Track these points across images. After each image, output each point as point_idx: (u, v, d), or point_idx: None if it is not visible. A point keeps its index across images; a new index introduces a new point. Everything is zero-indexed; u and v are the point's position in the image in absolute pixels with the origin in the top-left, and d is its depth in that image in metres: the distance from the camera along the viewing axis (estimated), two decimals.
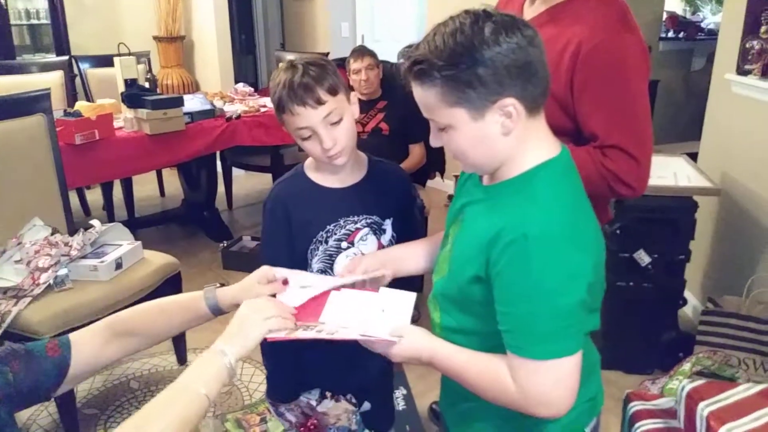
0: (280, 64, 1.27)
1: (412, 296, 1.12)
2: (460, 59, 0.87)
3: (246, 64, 6.66)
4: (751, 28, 2.53)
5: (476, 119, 0.91)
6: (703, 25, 6.04)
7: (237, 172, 4.74)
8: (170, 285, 2.42)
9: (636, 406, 1.41)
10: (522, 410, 0.95)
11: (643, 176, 1.31)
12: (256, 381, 2.52)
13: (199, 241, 3.91)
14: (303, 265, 1.35)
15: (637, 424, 1.34)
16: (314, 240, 1.33)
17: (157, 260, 2.39)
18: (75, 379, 1.07)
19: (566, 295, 0.90)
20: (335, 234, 1.33)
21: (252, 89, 4.36)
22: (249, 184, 5.06)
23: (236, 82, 4.95)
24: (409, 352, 1.02)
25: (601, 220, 1.24)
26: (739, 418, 1.16)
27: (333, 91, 1.22)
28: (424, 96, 0.93)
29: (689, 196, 2.42)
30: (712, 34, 5.85)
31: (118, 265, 2.23)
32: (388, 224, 1.38)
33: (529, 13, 1.44)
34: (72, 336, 1.08)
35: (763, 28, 2.43)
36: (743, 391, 1.23)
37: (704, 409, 1.19)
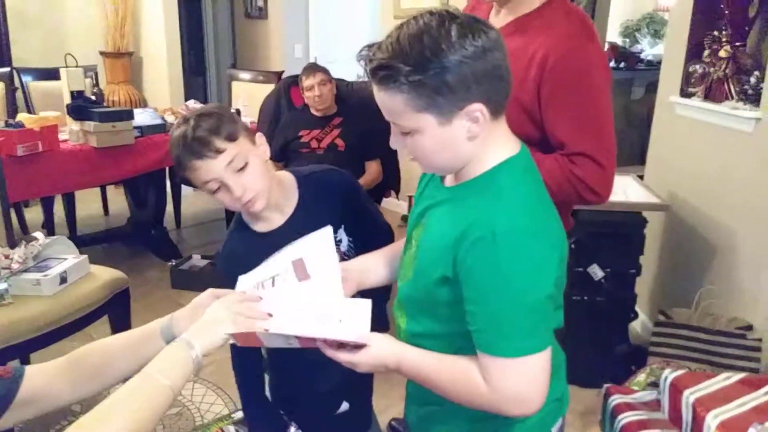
0: (175, 122, 1.23)
1: (367, 303, 1.07)
2: (428, 64, 0.85)
3: (196, 85, 6.56)
4: (693, 53, 2.66)
5: (443, 124, 0.90)
6: (642, 56, 6.32)
7: (185, 190, 4.63)
8: (118, 301, 2.32)
9: (616, 399, 1.42)
10: (494, 410, 0.94)
11: (609, 182, 1.34)
12: (207, 401, 2.42)
13: (146, 260, 3.78)
14: None
15: (619, 417, 1.35)
16: None
17: (104, 275, 2.29)
18: (20, 410, 0.99)
19: (535, 290, 0.90)
20: None
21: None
22: (198, 202, 4.95)
23: (186, 100, 4.86)
24: (375, 359, 0.98)
25: (564, 227, 1.26)
26: (724, 404, 1.18)
27: (231, 138, 1.18)
28: (389, 101, 0.90)
29: (639, 212, 2.50)
30: (651, 65, 6.14)
31: (63, 280, 2.12)
32: (341, 233, 1.35)
33: (495, 23, 1.46)
34: (29, 366, 1.03)
35: (705, 53, 2.55)
36: (723, 380, 1.26)
37: (690, 396, 1.21)
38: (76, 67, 3.41)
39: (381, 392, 1.62)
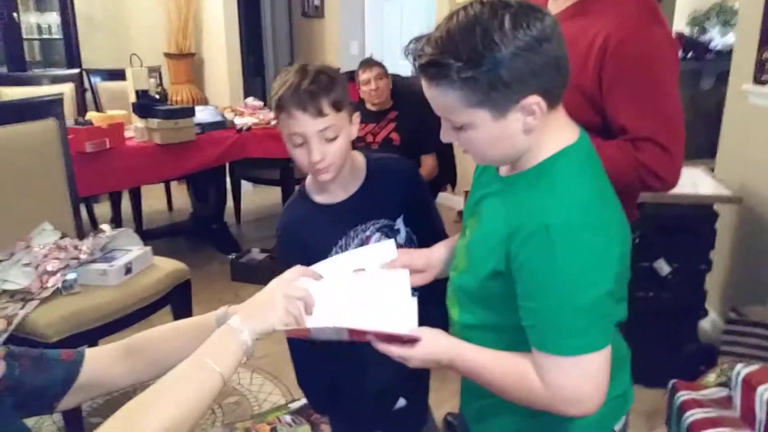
0: (289, 66, 1.23)
1: (414, 300, 1.04)
2: (481, 59, 0.81)
3: (254, 85, 6.69)
4: (767, 39, 2.51)
5: (498, 119, 0.87)
6: (711, 45, 6.05)
7: (245, 186, 4.72)
8: (180, 292, 2.37)
9: (683, 395, 1.35)
10: (549, 409, 0.90)
11: (676, 168, 1.27)
12: (265, 391, 2.46)
13: (207, 254, 3.88)
14: None
15: (687, 414, 1.29)
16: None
17: (167, 266, 2.35)
18: (80, 393, 1.02)
19: (592, 286, 0.85)
20: (349, 246, 1.30)
21: (262, 103, 4.36)
22: (258, 198, 5.04)
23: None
24: (429, 356, 0.96)
25: (629, 218, 1.20)
26: None
27: (337, 106, 1.18)
28: (440, 97, 0.87)
29: (709, 205, 2.38)
30: (720, 55, 5.87)
31: (128, 270, 2.19)
32: (399, 223, 1.34)
33: (554, 7, 1.42)
34: (88, 350, 1.05)
35: None
36: None
37: (764, 393, 1.13)
38: (141, 67, 3.52)
39: (434, 388, 1.60)
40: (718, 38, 6.21)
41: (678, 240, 2.34)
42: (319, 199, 1.32)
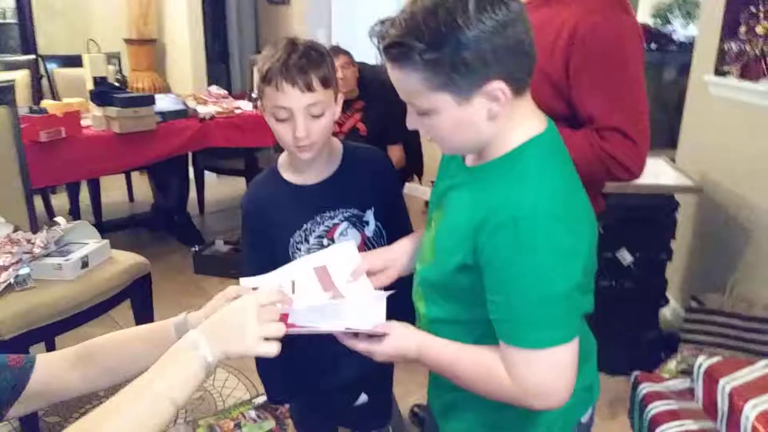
0: (278, 40, 1.19)
1: (383, 294, 1.03)
2: (444, 41, 0.80)
3: (219, 72, 6.56)
4: (729, 30, 2.54)
5: (461, 104, 0.85)
6: (674, 37, 6.14)
7: (209, 177, 4.63)
8: (140, 287, 2.31)
9: (646, 387, 1.36)
10: (518, 403, 0.90)
11: (642, 158, 1.28)
12: (229, 386, 2.42)
13: (169, 246, 3.80)
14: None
15: (649, 407, 1.29)
16: (292, 241, 1.27)
17: (126, 260, 2.29)
18: (31, 401, 0.97)
19: (561, 279, 0.84)
20: (314, 231, 1.28)
21: (226, 92, 4.28)
22: (221, 188, 4.95)
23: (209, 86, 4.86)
24: (394, 349, 0.95)
25: (595, 209, 1.20)
26: (763, 393, 1.11)
27: (326, 83, 1.16)
28: (404, 80, 0.86)
29: (671, 195, 2.42)
30: (683, 46, 5.96)
31: (84, 264, 2.12)
32: (369, 215, 1.31)
33: None
34: (39, 356, 1.00)
35: (742, 29, 2.44)
36: (762, 368, 1.19)
37: (726, 385, 1.14)
38: (99, 53, 3.41)
39: (400, 379, 1.59)
40: (681, 30, 6.31)
41: (640, 230, 2.37)
42: (291, 178, 1.29)
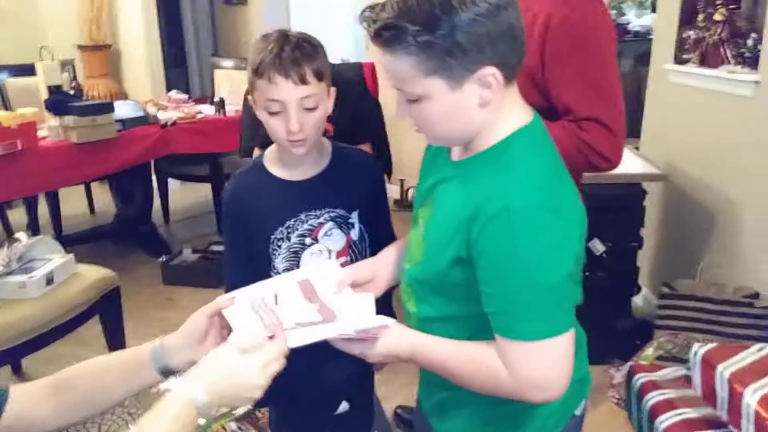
0: (269, 33, 1.17)
1: (370, 296, 1.04)
2: (438, 23, 0.79)
3: (177, 77, 6.43)
4: (687, 18, 2.59)
5: (454, 89, 0.84)
6: (629, 27, 6.25)
7: (172, 184, 4.53)
8: (108, 302, 2.25)
9: (641, 378, 1.37)
10: (515, 397, 0.89)
11: (619, 148, 1.29)
12: None
13: (135, 258, 3.70)
14: (265, 263, 1.26)
15: (647, 397, 1.30)
16: (273, 237, 1.24)
17: (92, 274, 2.22)
18: None
19: (554, 268, 0.84)
20: (297, 229, 1.24)
21: (186, 96, 4.19)
22: (186, 195, 4.85)
23: (168, 92, 4.75)
24: (388, 350, 0.94)
25: None
26: (762, 377, 1.12)
27: (319, 76, 1.14)
28: (395, 65, 0.84)
29: (638, 183, 2.45)
30: (638, 36, 6.08)
31: (49, 281, 2.05)
32: (355, 217, 1.29)
33: None
34: (12, 387, 0.95)
35: (699, 17, 2.49)
36: (756, 351, 1.21)
37: (724, 371, 1.15)
38: (53, 61, 3.30)
39: (384, 380, 1.57)
40: (635, 20, 6.44)
41: (610, 219, 2.40)
42: (277, 172, 1.26)
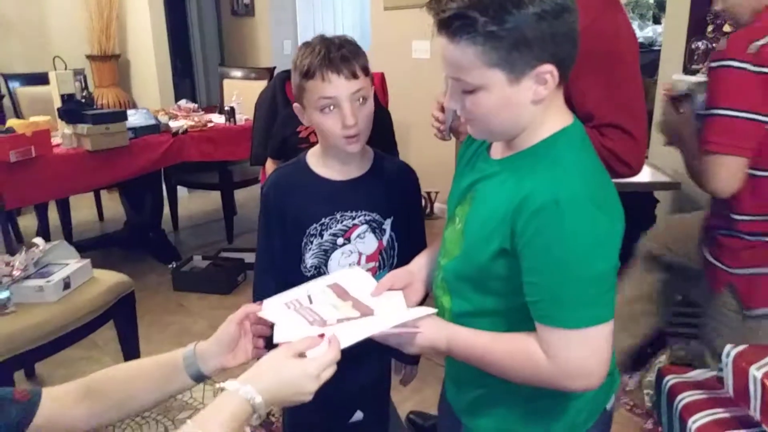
0: (308, 40, 1.23)
1: (399, 294, 1.06)
2: (507, 16, 0.82)
3: (184, 87, 6.48)
4: (696, 30, 2.62)
5: (512, 83, 0.87)
6: None
7: (182, 191, 4.55)
8: (123, 305, 2.26)
9: (672, 379, 1.38)
10: (555, 385, 0.90)
11: (641, 153, 1.30)
12: None
13: (145, 264, 3.71)
14: (296, 257, 1.28)
15: (678, 398, 1.31)
16: (308, 232, 1.26)
17: (108, 279, 2.23)
18: None
19: (600, 259, 0.86)
20: (331, 228, 1.26)
21: (196, 105, 4.22)
22: (195, 203, 4.88)
23: (176, 101, 4.78)
24: (426, 341, 0.95)
25: None
26: None
27: (365, 71, 1.20)
28: (458, 54, 0.86)
29: (650, 192, 2.47)
30: (642, 47, 6.13)
31: (66, 285, 2.06)
32: (388, 224, 1.32)
33: None
34: (45, 388, 0.97)
35: (709, 28, 2.52)
36: None
37: (756, 372, 1.16)
38: (66, 70, 3.33)
39: (394, 385, 1.58)
40: (638, 32, 6.49)
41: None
42: (319, 170, 1.29)
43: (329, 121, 1.19)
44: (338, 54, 1.16)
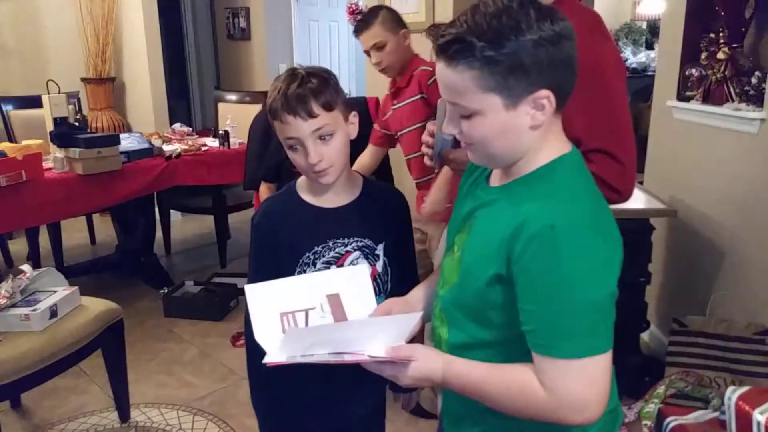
0: (279, 75, 1.21)
1: (410, 317, 1.02)
2: (505, 42, 0.83)
3: (179, 110, 6.48)
4: (689, 56, 2.63)
5: (508, 108, 0.87)
6: (627, 64, 6.35)
7: (174, 216, 4.52)
8: (111, 334, 2.22)
9: (672, 421, 1.34)
10: (552, 419, 0.87)
11: (630, 179, 1.28)
12: None
13: (136, 289, 3.66)
14: None
15: None
16: (301, 261, 1.24)
17: (96, 307, 2.19)
18: None
19: (598, 286, 0.84)
20: (323, 256, 1.25)
21: (190, 128, 4.21)
22: (188, 227, 4.84)
23: (171, 124, 4.77)
24: (421, 372, 0.93)
25: None
26: None
27: (328, 107, 1.17)
28: (455, 78, 0.87)
29: (645, 219, 2.45)
30: (636, 72, 6.17)
31: (53, 314, 2.02)
32: (380, 249, 1.30)
33: None
34: None
35: (702, 55, 2.53)
36: None
37: (760, 416, 1.13)
38: (59, 93, 3.31)
39: (389, 417, 1.54)
40: (631, 57, 6.54)
41: None
42: (309, 199, 1.28)
43: (298, 158, 1.20)
44: (295, 92, 1.15)
